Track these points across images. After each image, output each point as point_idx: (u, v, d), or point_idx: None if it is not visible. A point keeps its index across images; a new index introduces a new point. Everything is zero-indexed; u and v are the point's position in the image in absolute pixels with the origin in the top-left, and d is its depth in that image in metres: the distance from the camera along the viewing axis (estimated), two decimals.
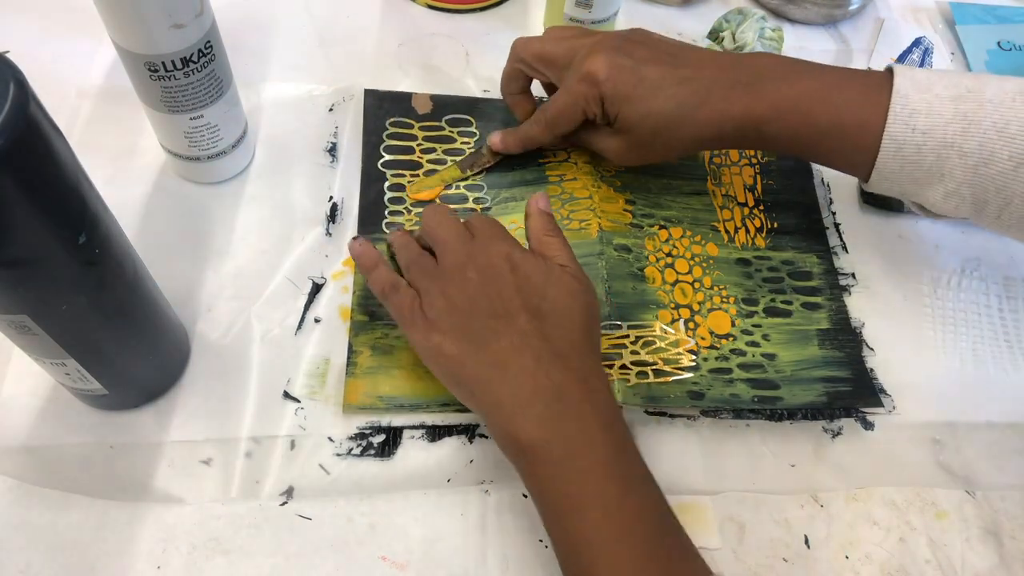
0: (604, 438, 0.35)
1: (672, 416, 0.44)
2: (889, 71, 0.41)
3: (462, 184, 0.51)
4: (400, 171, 0.51)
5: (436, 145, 0.52)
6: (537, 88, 0.52)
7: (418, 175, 0.51)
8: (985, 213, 0.41)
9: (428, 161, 0.51)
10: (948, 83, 0.40)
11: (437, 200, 0.50)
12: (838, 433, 0.45)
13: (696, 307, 0.47)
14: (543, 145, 0.50)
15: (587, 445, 0.34)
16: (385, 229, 0.48)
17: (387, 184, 0.50)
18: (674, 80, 0.43)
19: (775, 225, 0.52)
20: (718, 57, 0.45)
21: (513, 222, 0.49)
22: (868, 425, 0.45)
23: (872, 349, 0.47)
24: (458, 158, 0.51)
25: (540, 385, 0.35)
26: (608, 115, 0.45)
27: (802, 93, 0.42)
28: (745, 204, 0.52)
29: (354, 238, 0.43)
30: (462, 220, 0.42)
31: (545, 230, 0.41)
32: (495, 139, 0.50)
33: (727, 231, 0.51)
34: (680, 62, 0.44)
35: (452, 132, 0.53)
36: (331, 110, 0.53)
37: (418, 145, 0.52)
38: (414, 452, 0.41)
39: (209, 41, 0.41)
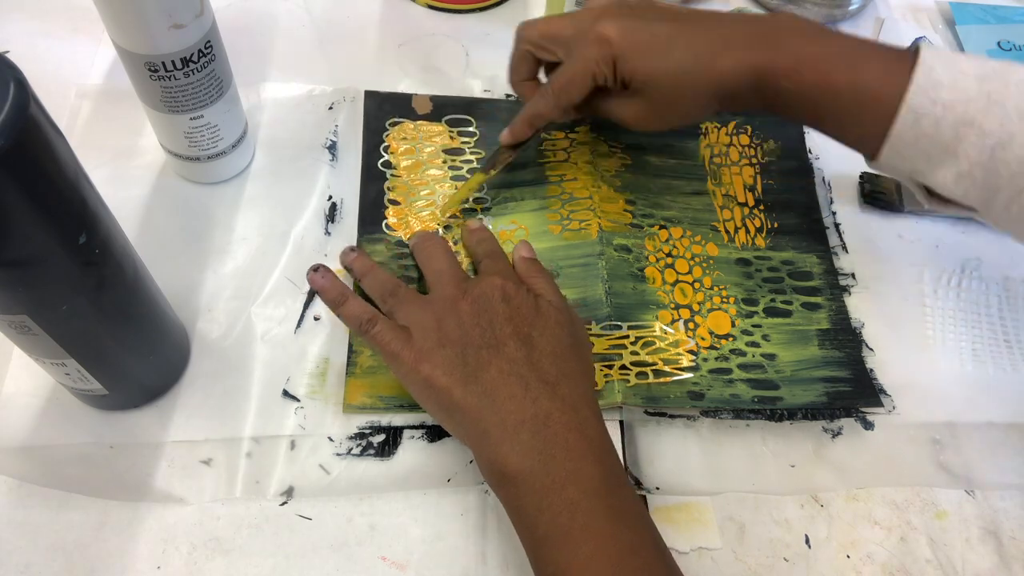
0: (594, 469, 0.34)
1: (672, 416, 0.44)
2: (916, 46, 0.40)
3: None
4: (399, 171, 0.51)
5: (435, 145, 0.52)
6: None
7: (406, 176, 0.51)
8: (995, 203, 0.39)
9: (427, 161, 0.51)
10: (975, 63, 0.38)
11: (459, 213, 0.49)
12: (838, 433, 0.45)
13: (696, 307, 0.47)
14: (552, 119, 0.47)
15: (575, 475, 0.34)
16: (385, 229, 0.48)
17: (387, 184, 0.50)
18: (688, 33, 0.42)
19: (775, 225, 0.52)
20: (734, 15, 0.44)
21: (513, 222, 0.49)
22: (868, 425, 0.45)
23: (872, 349, 0.47)
24: (473, 167, 0.51)
25: (527, 413, 0.35)
26: (622, 76, 0.43)
27: (824, 51, 0.40)
28: (745, 204, 0.52)
29: (313, 268, 0.41)
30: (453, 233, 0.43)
31: (529, 274, 0.43)
32: (504, 134, 0.48)
33: (727, 231, 0.51)
34: (692, 19, 0.43)
35: (451, 132, 0.53)
36: (331, 108, 0.53)
37: (418, 145, 0.52)
38: (414, 452, 0.41)
39: (209, 41, 0.41)
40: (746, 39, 0.41)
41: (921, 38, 0.64)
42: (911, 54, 0.39)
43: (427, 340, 0.38)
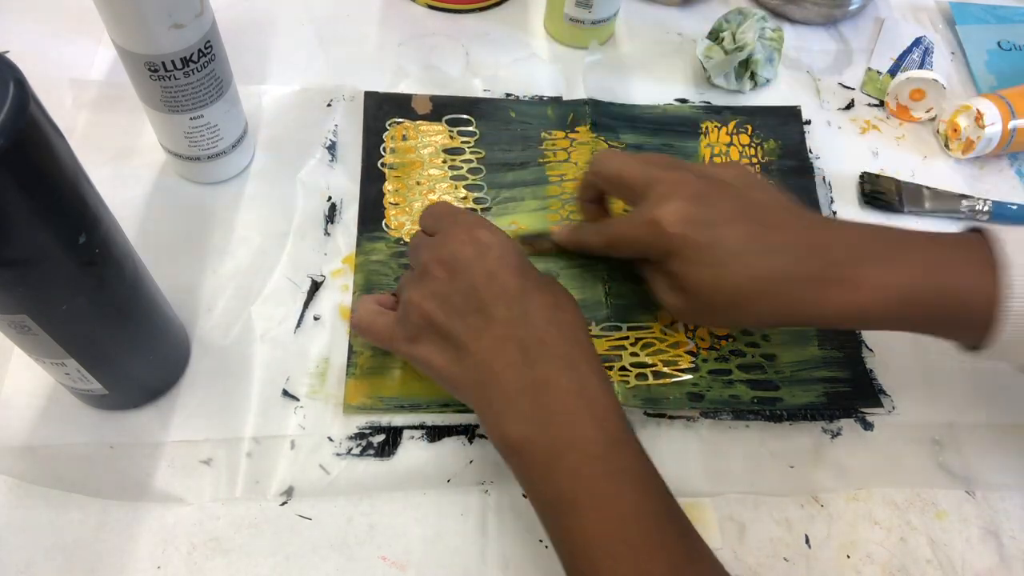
0: (594, 433, 0.33)
1: (671, 418, 0.44)
2: (978, 232, 0.38)
3: (461, 184, 0.51)
4: (399, 171, 0.51)
5: (435, 145, 0.52)
6: None
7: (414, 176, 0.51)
8: None
9: (428, 160, 0.51)
10: None
11: None
12: (837, 434, 0.45)
13: None
14: (598, 255, 0.45)
15: (575, 441, 0.33)
16: (384, 228, 0.48)
17: (387, 184, 0.50)
18: (758, 249, 0.37)
19: None
20: (811, 225, 0.39)
21: (513, 223, 0.49)
22: (868, 425, 0.45)
23: (871, 349, 0.47)
24: (473, 166, 0.51)
25: (525, 380, 0.34)
26: (670, 271, 0.39)
27: (905, 280, 0.37)
28: None
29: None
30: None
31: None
32: (560, 233, 0.47)
33: None
34: (768, 224, 0.38)
35: (451, 131, 0.53)
36: (329, 105, 0.53)
37: (417, 144, 0.52)
38: (414, 452, 0.41)
39: (209, 41, 0.41)
40: (818, 270, 0.37)
41: (921, 38, 0.64)
42: (986, 249, 0.36)
43: (412, 320, 0.37)
